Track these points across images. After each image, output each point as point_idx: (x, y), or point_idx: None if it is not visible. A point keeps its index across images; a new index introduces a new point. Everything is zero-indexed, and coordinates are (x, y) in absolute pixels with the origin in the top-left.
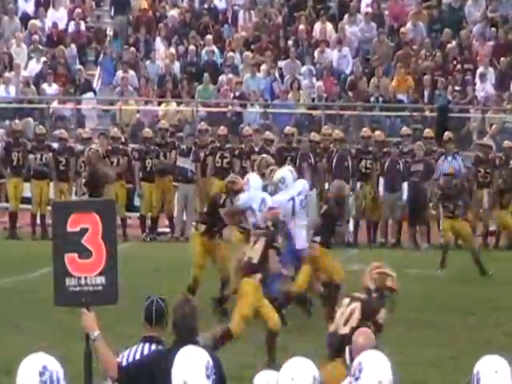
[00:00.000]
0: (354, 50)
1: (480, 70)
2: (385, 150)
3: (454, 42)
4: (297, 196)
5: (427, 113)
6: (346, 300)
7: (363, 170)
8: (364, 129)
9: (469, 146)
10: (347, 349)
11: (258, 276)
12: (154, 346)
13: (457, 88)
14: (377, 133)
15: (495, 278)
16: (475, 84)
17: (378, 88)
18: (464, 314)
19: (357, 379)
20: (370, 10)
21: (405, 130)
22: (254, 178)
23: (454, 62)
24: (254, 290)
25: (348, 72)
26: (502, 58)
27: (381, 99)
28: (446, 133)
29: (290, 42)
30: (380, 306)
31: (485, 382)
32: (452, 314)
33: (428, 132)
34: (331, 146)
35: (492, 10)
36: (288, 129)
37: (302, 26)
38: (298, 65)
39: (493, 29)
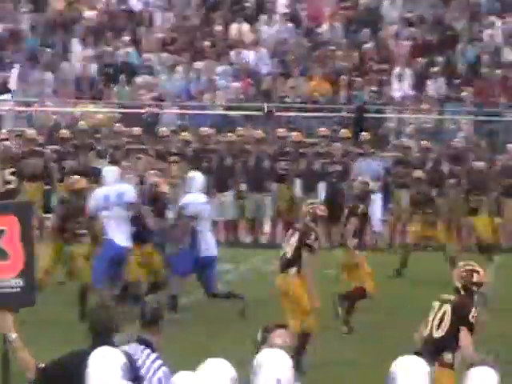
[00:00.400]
0: (271, 51)
1: (397, 70)
2: (301, 150)
3: (370, 43)
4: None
5: (344, 113)
6: (436, 303)
7: (280, 171)
8: (280, 130)
9: (386, 147)
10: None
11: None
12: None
13: (373, 88)
14: (294, 133)
15: (423, 278)
16: (392, 84)
17: (294, 88)
18: (387, 314)
19: (256, 375)
20: (286, 10)
21: (322, 130)
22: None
23: (371, 63)
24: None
25: (265, 73)
26: (419, 59)
27: (298, 100)
28: (363, 133)
29: (207, 43)
30: (470, 305)
31: (400, 382)
32: (375, 313)
33: (345, 132)
34: (248, 147)
35: (409, 10)
36: (204, 130)
37: (218, 27)
38: (215, 66)
39: (410, 29)
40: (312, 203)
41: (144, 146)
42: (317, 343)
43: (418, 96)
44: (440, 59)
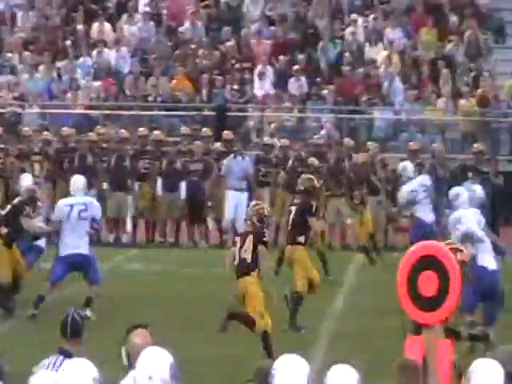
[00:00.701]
0: (132, 50)
1: (258, 68)
2: (163, 149)
3: (232, 41)
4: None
5: (206, 112)
6: None
7: (142, 170)
8: (141, 128)
9: (247, 145)
10: (123, 348)
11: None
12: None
13: (235, 87)
14: (155, 132)
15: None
16: (254, 83)
17: (156, 87)
18: None
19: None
20: (148, 9)
21: (184, 129)
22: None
23: (233, 61)
24: None
25: (126, 72)
26: (280, 57)
27: (159, 99)
28: (225, 132)
29: (68, 43)
30: None
31: (279, 381)
32: None
33: (206, 131)
34: (109, 146)
35: (270, 8)
36: (65, 129)
37: (79, 26)
38: (76, 65)
39: (271, 27)
40: (256, 204)
41: (4, 146)
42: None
43: (279, 94)
44: (302, 57)
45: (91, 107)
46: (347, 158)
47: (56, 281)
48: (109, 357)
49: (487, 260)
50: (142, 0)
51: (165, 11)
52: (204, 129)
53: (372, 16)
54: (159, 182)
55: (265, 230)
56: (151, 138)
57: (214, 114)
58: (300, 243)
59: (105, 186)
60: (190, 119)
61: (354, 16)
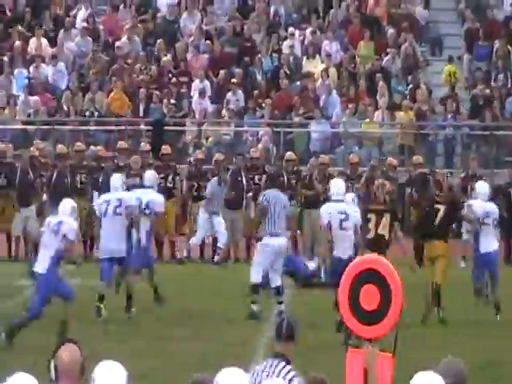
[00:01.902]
0: (70, 65)
1: (196, 82)
2: (102, 164)
3: (169, 55)
4: None
5: (143, 126)
6: None
7: (79, 185)
8: (78, 143)
9: (185, 160)
10: (52, 362)
11: None
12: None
13: (172, 101)
14: (92, 148)
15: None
16: (191, 97)
17: (93, 102)
18: (180, 326)
19: None
20: (85, 24)
21: (121, 144)
22: None
23: (170, 75)
24: None
25: (64, 87)
26: (219, 71)
27: (96, 114)
28: (163, 146)
29: (5, 58)
30: None
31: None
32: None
33: (144, 146)
34: (50, 161)
35: (207, 22)
36: (1, 145)
37: (17, 42)
38: (13, 80)
39: (208, 42)
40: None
41: None
42: None
43: (217, 108)
44: (238, 71)
45: (28, 122)
46: (290, 171)
47: None
48: None
49: None
50: (80, 15)
51: (102, 26)
52: (142, 143)
53: (309, 29)
54: (95, 195)
55: None
56: (88, 153)
57: (151, 128)
58: None
59: (44, 199)
60: (127, 134)
61: (291, 30)
